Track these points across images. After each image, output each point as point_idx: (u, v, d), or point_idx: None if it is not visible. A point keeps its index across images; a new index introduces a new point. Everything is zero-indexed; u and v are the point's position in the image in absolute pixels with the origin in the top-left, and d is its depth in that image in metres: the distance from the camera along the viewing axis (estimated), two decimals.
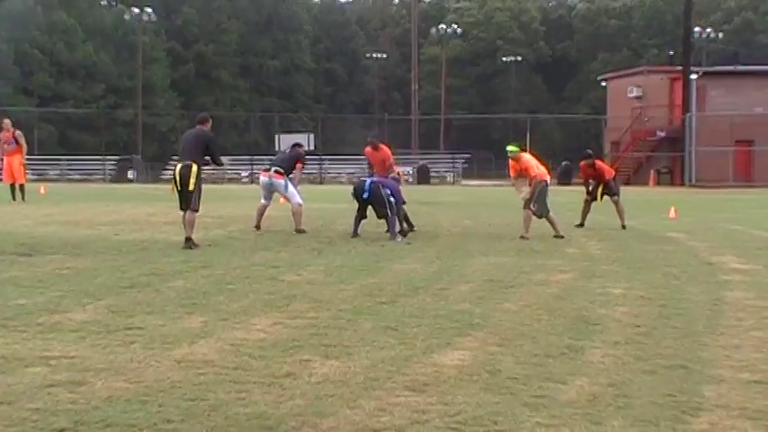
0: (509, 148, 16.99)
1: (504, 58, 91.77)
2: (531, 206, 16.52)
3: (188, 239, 13.78)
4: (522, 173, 16.97)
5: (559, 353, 6.89)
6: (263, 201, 17.28)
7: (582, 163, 19.89)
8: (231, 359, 6.50)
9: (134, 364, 6.31)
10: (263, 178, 17.42)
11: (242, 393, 5.61)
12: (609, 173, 20.01)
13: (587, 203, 19.41)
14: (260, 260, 12.46)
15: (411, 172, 61.94)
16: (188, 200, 13.87)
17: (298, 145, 17.91)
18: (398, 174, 18.58)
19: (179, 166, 13.98)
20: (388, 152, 17.93)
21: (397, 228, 15.95)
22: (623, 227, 18.75)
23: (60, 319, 7.80)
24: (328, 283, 10.40)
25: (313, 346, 6.96)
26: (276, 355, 6.63)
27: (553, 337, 7.49)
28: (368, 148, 17.98)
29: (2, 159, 25.93)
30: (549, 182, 17.10)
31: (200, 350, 6.76)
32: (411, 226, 17.12)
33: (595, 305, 9.12)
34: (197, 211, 14.00)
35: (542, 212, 16.71)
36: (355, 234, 16.03)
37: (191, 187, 13.80)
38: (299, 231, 16.54)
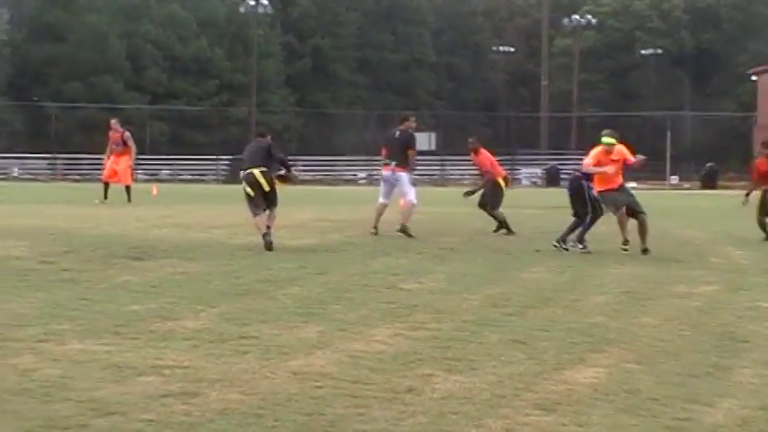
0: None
1: (642, 51, 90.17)
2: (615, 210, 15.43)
3: (266, 235, 14.48)
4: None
5: (704, 372, 6.76)
6: (381, 200, 17.44)
7: (759, 159, 18.12)
8: (349, 372, 6.55)
9: (249, 375, 6.41)
10: (384, 173, 17.57)
11: (361, 409, 5.64)
12: None
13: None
14: (379, 267, 12.54)
15: (539, 174, 61.49)
16: (272, 200, 14.89)
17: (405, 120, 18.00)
18: (505, 177, 19.01)
19: (256, 171, 14.77)
20: (486, 157, 18.90)
21: (574, 235, 15.47)
22: None
23: (173, 327, 7.98)
24: (451, 293, 10.40)
25: (435, 360, 6.97)
26: (397, 369, 6.66)
27: (697, 354, 7.35)
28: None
29: (109, 158, 26.44)
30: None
31: (317, 362, 6.83)
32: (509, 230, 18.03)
33: (744, 320, 8.92)
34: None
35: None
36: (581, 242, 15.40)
37: (269, 188, 14.77)
38: (404, 230, 16.74)
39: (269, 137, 16.07)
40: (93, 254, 13.07)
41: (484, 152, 18.97)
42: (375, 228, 17.25)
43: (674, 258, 14.35)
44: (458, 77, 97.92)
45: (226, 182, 57.68)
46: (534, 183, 62.30)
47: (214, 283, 10.69)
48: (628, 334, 8.13)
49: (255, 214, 14.83)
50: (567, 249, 15.10)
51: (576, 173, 15.96)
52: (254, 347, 7.25)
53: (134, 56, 75.82)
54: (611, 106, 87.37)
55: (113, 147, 26.22)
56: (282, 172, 15.31)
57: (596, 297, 10.28)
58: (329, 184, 57.15)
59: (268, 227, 14.65)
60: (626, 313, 9.23)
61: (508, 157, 68.37)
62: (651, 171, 70.70)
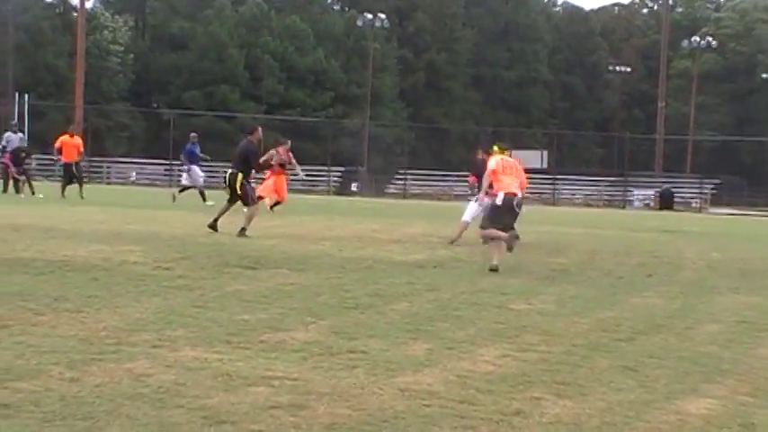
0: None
1: (763, 75, 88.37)
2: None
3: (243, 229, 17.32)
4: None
5: None
6: (468, 218, 18.45)
7: None
8: (457, 391, 6.52)
9: (357, 389, 6.43)
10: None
11: (469, 430, 5.61)
12: None
13: None
14: (488, 286, 12.48)
15: (652, 196, 60.65)
16: (241, 199, 17.68)
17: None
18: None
19: (229, 171, 17.80)
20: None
21: None
22: None
23: (283, 338, 8.05)
24: (561, 315, 10.30)
25: (544, 383, 6.90)
26: (505, 391, 6.61)
27: None
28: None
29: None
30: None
31: (424, 379, 6.82)
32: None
33: None
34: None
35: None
36: None
37: (239, 190, 17.54)
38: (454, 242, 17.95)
39: (254, 135, 17.94)
40: (206, 261, 13.29)
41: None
42: (455, 241, 18.27)
43: None
44: (572, 96, 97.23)
45: (336, 193, 58.14)
46: (647, 205, 61.47)
47: (323, 295, 10.76)
48: (742, 365, 7.95)
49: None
50: None
51: None
52: (362, 362, 7.27)
53: (252, 66, 77.08)
54: (729, 130, 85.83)
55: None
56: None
57: (709, 326, 10.07)
58: (439, 199, 57.18)
59: (243, 228, 17.32)
60: (740, 343, 9.02)
61: (620, 178, 67.77)
62: (766, 197, 69.34)
